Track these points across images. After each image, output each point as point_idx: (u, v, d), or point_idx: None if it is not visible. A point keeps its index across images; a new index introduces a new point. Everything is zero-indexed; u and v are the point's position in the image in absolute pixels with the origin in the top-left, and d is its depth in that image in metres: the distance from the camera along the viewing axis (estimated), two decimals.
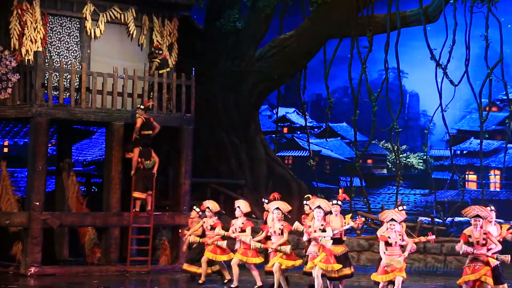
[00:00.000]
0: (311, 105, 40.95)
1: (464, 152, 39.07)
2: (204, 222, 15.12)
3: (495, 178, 38.01)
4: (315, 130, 39.66)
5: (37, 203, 16.81)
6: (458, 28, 22.57)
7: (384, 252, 12.01)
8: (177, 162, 18.90)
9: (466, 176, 37.44)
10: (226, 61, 23.27)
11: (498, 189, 37.49)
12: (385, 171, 40.93)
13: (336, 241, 13.10)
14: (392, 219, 12.10)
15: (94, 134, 26.74)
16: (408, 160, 39.42)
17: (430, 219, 22.65)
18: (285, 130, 41.01)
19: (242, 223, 14.42)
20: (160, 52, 18.72)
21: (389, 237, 12.01)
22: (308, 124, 27.56)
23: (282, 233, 13.52)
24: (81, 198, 18.58)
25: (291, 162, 38.83)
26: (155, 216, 17.85)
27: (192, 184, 19.05)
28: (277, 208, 13.63)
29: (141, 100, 18.36)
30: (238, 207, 14.62)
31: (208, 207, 15.08)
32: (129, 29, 18.94)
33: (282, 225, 13.57)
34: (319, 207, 12.91)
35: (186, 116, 18.82)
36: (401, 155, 26.52)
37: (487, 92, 22.97)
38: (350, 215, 13.54)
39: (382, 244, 12.06)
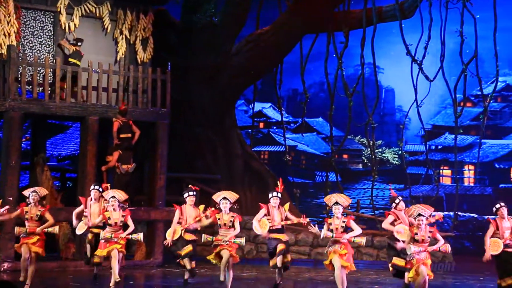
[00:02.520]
0: (287, 100, 40.95)
1: (439, 147, 39.28)
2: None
3: (469, 173, 38.26)
4: (291, 125, 39.68)
5: (11, 198, 16.66)
6: (434, 23, 22.67)
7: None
8: (152, 157, 18.84)
9: (441, 171, 37.65)
10: (202, 56, 23.20)
11: (472, 184, 37.74)
12: (360, 166, 41.03)
13: (278, 230, 13.19)
14: (419, 214, 11.86)
15: (68, 128, 26.54)
16: (384, 155, 39.55)
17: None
18: (261, 125, 40.98)
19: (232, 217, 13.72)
20: (80, 44, 18.27)
21: (416, 233, 11.73)
22: (284, 119, 27.57)
23: (233, 225, 13.08)
24: (56, 193, 18.45)
25: (267, 157, 38.83)
26: (130, 211, 17.72)
27: (168, 179, 18.99)
28: (225, 198, 13.20)
29: (116, 95, 18.26)
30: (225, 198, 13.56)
31: (114, 196, 13.50)
32: (104, 24, 18.82)
33: (233, 216, 13.13)
34: (336, 203, 12.39)
35: (162, 111, 18.75)
36: (376, 150, 26.55)
37: (461, 88, 23.11)
38: (288, 204, 13.50)
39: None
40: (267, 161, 36.37)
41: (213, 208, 13.69)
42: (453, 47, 23.60)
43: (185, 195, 13.81)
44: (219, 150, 23.63)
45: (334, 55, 23.33)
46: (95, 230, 13.94)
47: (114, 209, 13.27)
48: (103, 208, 13.68)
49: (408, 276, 11.87)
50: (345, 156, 40.79)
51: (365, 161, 40.16)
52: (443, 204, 32.85)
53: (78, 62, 17.92)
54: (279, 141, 38.17)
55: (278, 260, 13.04)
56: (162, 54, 20.56)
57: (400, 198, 13.13)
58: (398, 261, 12.63)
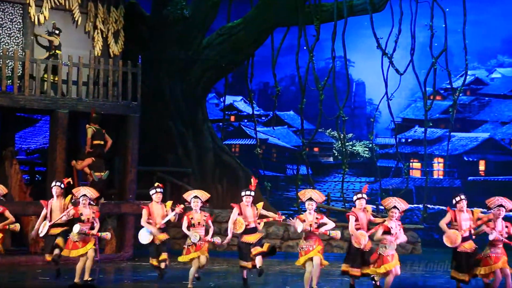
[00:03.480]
0: (258, 94, 40.94)
1: (409, 140, 39.52)
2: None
3: (438, 166, 38.57)
4: (262, 118, 39.69)
5: None
6: (404, 17, 22.83)
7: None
8: (123, 150, 18.75)
9: (411, 164, 37.92)
10: (173, 49, 23.14)
11: (441, 177, 38.05)
12: (331, 159, 41.16)
13: (251, 230, 13.07)
14: (395, 206, 12.01)
15: (38, 122, 26.31)
16: (354, 148, 39.71)
17: (375, 207, 22.87)
18: (232, 118, 40.94)
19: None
20: (57, 32, 18.07)
21: (391, 227, 11.88)
22: (255, 112, 27.58)
23: (206, 224, 13.04)
24: (25, 187, 18.29)
25: (238, 150, 38.82)
26: (101, 204, 17.63)
27: (138, 173, 18.92)
28: (196, 197, 13.08)
29: (86, 88, 18.14)
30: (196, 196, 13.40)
31: (85, 195, 13.35)
32: (74, 16, 18.68)
33: (205, 216, 13.09)
34: (310, 199, 12.39)
35: (132, 104, 18.67)
36: (347, 143, 26.71)
37: (431, 81, 23.30)
38: (262, 203, 13.42)
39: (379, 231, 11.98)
40: (238, 154, 36.34)
41: (182, 205, 13.62)
42: (423, 40, 23.76)
43: (152, 192, 13.76)
44: (190, 143, 23.59)
45: (305, 48, 23.38)
46: (56, 230, 13.75)
47: (84, 207, 13.18)
48: (75, 206, 13.48)
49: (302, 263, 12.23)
50: (316, 149, 40.91)
51: (336, 154, 40.30)
52: (413, 197, 33.10)
53: (60, 53, 17.89)
54: (250, 134, 38.18)
55: (258, 261, 12.96)
56: (134, 47, 20.47)
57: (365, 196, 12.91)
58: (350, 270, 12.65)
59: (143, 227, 13.76)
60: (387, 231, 11.94)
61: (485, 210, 14.15)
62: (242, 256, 13.08)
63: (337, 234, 12.29)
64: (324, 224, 12.31)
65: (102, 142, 17.54)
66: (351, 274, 12.39)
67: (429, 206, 23.58)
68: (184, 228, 12.95)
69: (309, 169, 24.68)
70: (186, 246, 12.99)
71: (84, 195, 13.22)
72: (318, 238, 12.32)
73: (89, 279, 13.12)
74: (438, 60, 23.01)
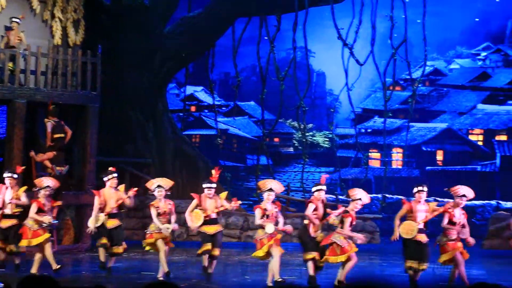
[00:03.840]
0: (219, 84, 40.91)
1: (368, 130, 39.83)
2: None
3: (397, 156, 38.94)
4: (223, 108, 39.68)
5: None
6: (365, 8, 22.95)
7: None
8: (82, 141, 18.60)
9: (370, 154, 38.23)
10: (134, 38, 22.99)
11: (400, 167, 38.43)
12: (291, 149, 41.32)
13: (212, 221, 12.92)
14: (360, 199, 12.15)
15: None
16: (314, 138, 39.90)
17: (334, 197, 23.05)
18: (193, 108, 40.87)
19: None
20: (18, 21, 17.85)
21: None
22: (216, 102, 27.58)
23: (170, 213, 13.00)
24: None
25: (198, 141, 38.76)
26: (57, 178, 17.57)
27: (98, 163, 18.79)
28: (159, 186, 13.00)
29: (45, 78, 17.95)
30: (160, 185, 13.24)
31: (48, 186, 13.33)
32: (32, 5, 18.45)
33: (169, 204, 13.04)
34: (271, 189, 12.38)
35: (92, 94, 18.52)
36: (307, 134, 26.85)
37: (391, 72, 23.50)
38: (225, 193, 13.29)
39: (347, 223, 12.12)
40: (198, 145, 36.31)
41: (135, 188, 13.65)
42: (383, 31, 23.94)
43: (107, 178, 13.59)
44: (150, 134, 23.50)
45: (266, 38, 23.41)
46: (6, 222, 13.63)
47: (47, 197, 13.21)
48: (35, 198, 13.37)
49: (258, 255, 12.27)
50: (276, 139, 41.03)
51: (296, 145, 40.47)
52: (372, 187, 33.42)
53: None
54: (210, 124, 38.13)
55: (204, 260, 12.86)
56: (94, 36, 20.29)
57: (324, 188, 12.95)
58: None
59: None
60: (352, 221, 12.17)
61: (443, 200, 14.36)
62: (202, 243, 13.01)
63: (289, 228, 12.44)
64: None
65: (62, 135, 17.36)
66: (316, 258, 12.27)
67: (387, 195, 23.82)
68: (153, 217, 12.88)
69: (270, 159, 24.78)
70: (149, 232, 12.98)
71: (48, 186, 13.23)
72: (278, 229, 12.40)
73: (58, 267, 13.08)
74: (398, 51, 23.20)
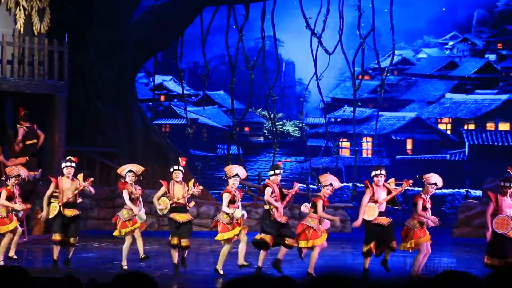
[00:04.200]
0: (188, 73, 40.77)
1: (338, 119, 39.99)
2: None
3: (367, 145, 39.15)
4: (193, 98, 39.55)
5: None
6: None
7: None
8: (50, 131, 18.38)
9: (340, 143, 38.39)
10: (101, 27, 22.74)
11: (370, 156, 38.65)
12: (262, 138, 41.36)
13: (181, 209, 12.79)
14: (331, 184, 12.30)
15: None
16: (285, 127, 39.95)
17: (305, 186, 23.08)
18: (162, 98, 40.70)
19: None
20: None
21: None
22: (185, 92, 27.44)
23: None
24: None
25: (168, 130, 38.63)
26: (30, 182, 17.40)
27: (67, 153, 18.58)
28: (130, 171, 12.93)
29: (11, 67, 17.70)
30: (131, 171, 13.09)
31: (19, 174, 13.24)
32: None
33: (139, 189, 13.00)
34: (237, 175, 12.50)
35: (59, 84, 18.31)
36: (277, 123, 26.80)
37: (359, 61, 23.53)
38: (192, 181, 13.11)
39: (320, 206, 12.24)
40: (168, 134, 36.18)
41: (92, 178, 13.44)
42: (351, 20, 23.97)
43: (63, 165, 13.21)
44: (120, 123, 23.32)
45: (235, 27, 23.32)
46: None
47: (15, 186, 13.15)
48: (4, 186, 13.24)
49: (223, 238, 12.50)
50: (246, 129, 41.02)
51: (266, 134, 40.50)
52: (342, 176, 33.54)
53: None
54: (180, 114, 38.01)
55: (173, 256, 12.71)
56: (60, 25, 20.04)
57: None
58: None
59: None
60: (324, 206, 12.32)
61: (413, 189, 14.35)
62: (171, 233, 12.86)
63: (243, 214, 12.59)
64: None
65: (35, 141, 17.10)
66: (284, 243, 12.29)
67: (358, 184, 23.86)
68: (127, 200, 12.77)
69: (240, 148, 24.73)
70: (122, 220, 12.87)
71: (19, 175, 13.15)
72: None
73: (15, 256, 12.96)
74: (366, 40, 23.25)
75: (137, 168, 13.10)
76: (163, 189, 12.85)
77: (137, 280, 3.97)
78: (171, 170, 12.92)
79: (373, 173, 12.52)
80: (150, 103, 30.10)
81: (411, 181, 12.46)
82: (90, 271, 12.98)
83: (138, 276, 4.05)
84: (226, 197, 12.38)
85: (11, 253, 13.07)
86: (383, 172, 12.45)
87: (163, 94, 40.64)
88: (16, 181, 13.12)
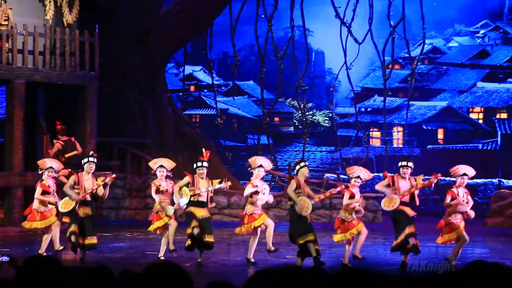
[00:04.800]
0: (218, 63, 40.81)
1: (368, 109, 39.77)
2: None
3: (397, 135, 38.92)
4: (222, 88, 39.60)
5: None
6: None
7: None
8: (81, 121, 18.53)
9: (370, 133, 38.19)
10: (131, 18, 22.80)
11: (400, 145, 38.42)
12: (291, 128, 41.30)
13: (200, 203, 12.55)
14: (358, 176, 12.33)
15: None
16: (314, 117, 39.85)
17: (336, 176, 23.01)
18: (192, 88, 40.78)
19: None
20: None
21: (355, 193, 12.35)
22: (215, 82, 27.44)
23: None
24: None
25: (198, 121, 38.71)
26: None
27: (98, 144, 18.74)
28: (161, 166, 12.94)
29: (43, 58, 17.83)
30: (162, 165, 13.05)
31: (51, 167, 13.20)
32: None
33: (171, 183, 12.98)
34: (261, 166, 12.66)
35: (90, 74, 18.42)
36: (307, 113, 26.77)
37: (390, 50, 23.36)
38: (218, 180, 12.77)
39: (346, 197, 12.28)
40: (198, 125, 36.25)
41: (113, 175, 13.30)
42: (381, 9, 23.79)
43: (84, 160, 13.02)
44: (150, 114, 23.40)
45: (263, 16, 23.24)
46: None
47: (50, 179, 13.22)
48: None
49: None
50: (276, 119, 40.98)
51: (296, 124, 40.44)
52: (373, 166, 33.37)
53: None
54: (210, 104, 38.06)
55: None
56: (90, 16, 20.13)
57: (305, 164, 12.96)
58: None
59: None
60: (352, 197, 12.29)
61: (445, 178, 14.21)
62: (188, 224, 12.68)
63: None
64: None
65: (75, 152, 17.20)
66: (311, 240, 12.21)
67: (389, 174, 23.70)
68: (153, 193, 12.83)
69: (270, 138, 24.70)
70: (154, 213, 12.96)
71: (51, 167, 13.16)
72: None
73: (61, 248, 13.08)
74: (396, 29, 23.06)
75: (168, 163, 13.11)
76: (186, 180, 12.66)
77: (169, 270, 3.97)
78: (195, 166, 12.80)
79: (399, 164, 12.36)
80: (180, 94, 30.16)
81: (439, 174, 12.31)
82: (122, 261, 13.06)
83: (170, 266, 4.05)
84: (248, 188, 12.64)
85: (56, 247, 13.10)
86: (410, 164, 12.24)
87: (193, 84, 40.72)
88: (50, 174, 13.10)
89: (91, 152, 13.43)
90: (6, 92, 18.05)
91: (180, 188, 12.65)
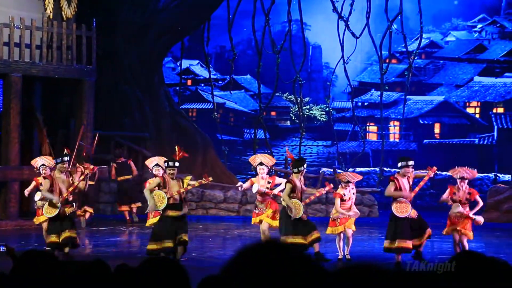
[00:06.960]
0: (215, 57, 40.69)
1: (365, 103, 39.73)
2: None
3: (394, 129, 38.90)
4: (219, 82, 39.50)
5: None
6: None
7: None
8: (78, 115, 18.54)
9: (367, 127, 38.17)
10: (128, 12, 22.80)
11: (397, 140, 38.40)
12: (288, 123, 41.23)
13: (176, 206, 12.05)
14: (348, 181, 12.51)
15: None
16: (311, 112, 39.79)
17: (332, 170, 23.03)
18: (189, 82, 40.68)
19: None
20: None
21: (344, 194, 12.47)
22: (212, 76, 27.44)
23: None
24: None
25: (195, 115, 38.63)
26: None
27: (95, 137, 18.71)
28: (157, 165, 12.99)
29: (40, 52, 17.81)
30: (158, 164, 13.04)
31: (43, 164, 12.84)
32: None
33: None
34: (261, 163, 12.74)
35: (87, 68, 18.42)
36: (304, 107, 26.79)
37: (387, 45, 23.38)
38: (189, 177, 12.59)
39: (337, 203, 12.44)
40: (195, 119, 36.16)
41: (91, 166, 13.23)
42: (378, 3, 23.78)
43: (58, 161, 12.65)
44: (147, 108, 23.41)
45: (261, 11, 23.23)
46: None
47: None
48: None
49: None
50: (273, 113, 40.92)
51: (293, 118, 40.36)
52: (369, 160, 33.39)
53: None
54: (207, 98, 37.99)
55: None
56: (87, 10, 20.12)
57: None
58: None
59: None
60: (341, 199, 12.55)
61: (441, 173, 14.21)
62: (154, 236, 12.20)
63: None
64: (279, 184, 12.69)
65: (129, 177, 17.64)
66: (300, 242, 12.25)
67: (385, 169, 23.79)
68: (146, 194, 12.24)
69: (267, 133, 24.70)
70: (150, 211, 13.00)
71: (43, 164, 12.93)
72: (271, 201, 12.75)
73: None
74: (394, 24, 23.08)
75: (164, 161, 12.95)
76: (156, 181, 12.17)
77: (165, 265, 3.99)
78: (165, 165, 12.26)
79: (400, 164, 12.29)
80: (177, 88, 30.14)
81: (434, 168, 12.35)
82: (118, 255, 13.08)
83: (166, 260, 4.07)
84: (253, 186, 12.72)
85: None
86: (411, 163, 12.21)
87: (190, 78, 40.62)
88: (44, 171, 12.70)
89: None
90: (2, 86, 18.06)
91: (151, 191, 12.04)
